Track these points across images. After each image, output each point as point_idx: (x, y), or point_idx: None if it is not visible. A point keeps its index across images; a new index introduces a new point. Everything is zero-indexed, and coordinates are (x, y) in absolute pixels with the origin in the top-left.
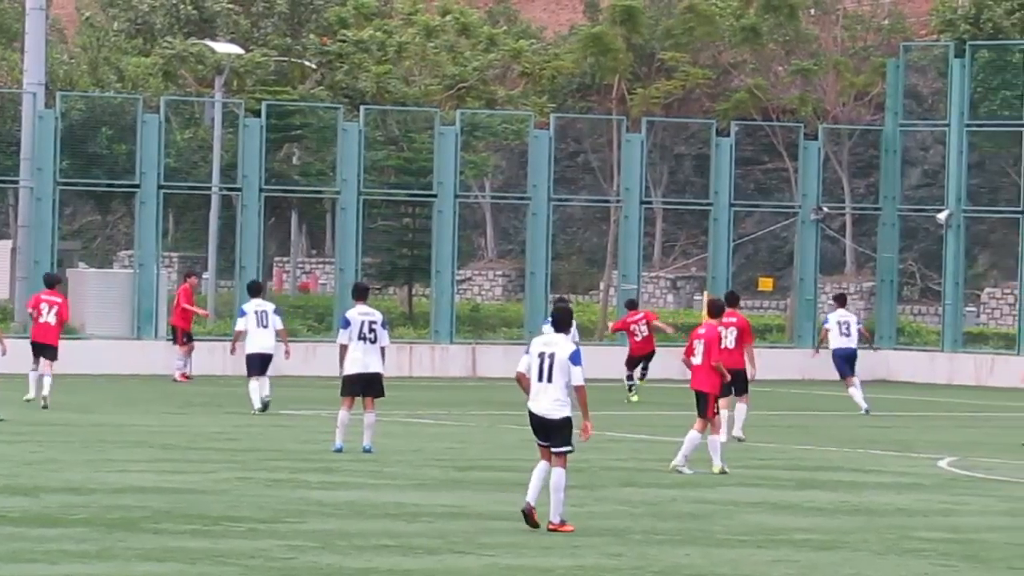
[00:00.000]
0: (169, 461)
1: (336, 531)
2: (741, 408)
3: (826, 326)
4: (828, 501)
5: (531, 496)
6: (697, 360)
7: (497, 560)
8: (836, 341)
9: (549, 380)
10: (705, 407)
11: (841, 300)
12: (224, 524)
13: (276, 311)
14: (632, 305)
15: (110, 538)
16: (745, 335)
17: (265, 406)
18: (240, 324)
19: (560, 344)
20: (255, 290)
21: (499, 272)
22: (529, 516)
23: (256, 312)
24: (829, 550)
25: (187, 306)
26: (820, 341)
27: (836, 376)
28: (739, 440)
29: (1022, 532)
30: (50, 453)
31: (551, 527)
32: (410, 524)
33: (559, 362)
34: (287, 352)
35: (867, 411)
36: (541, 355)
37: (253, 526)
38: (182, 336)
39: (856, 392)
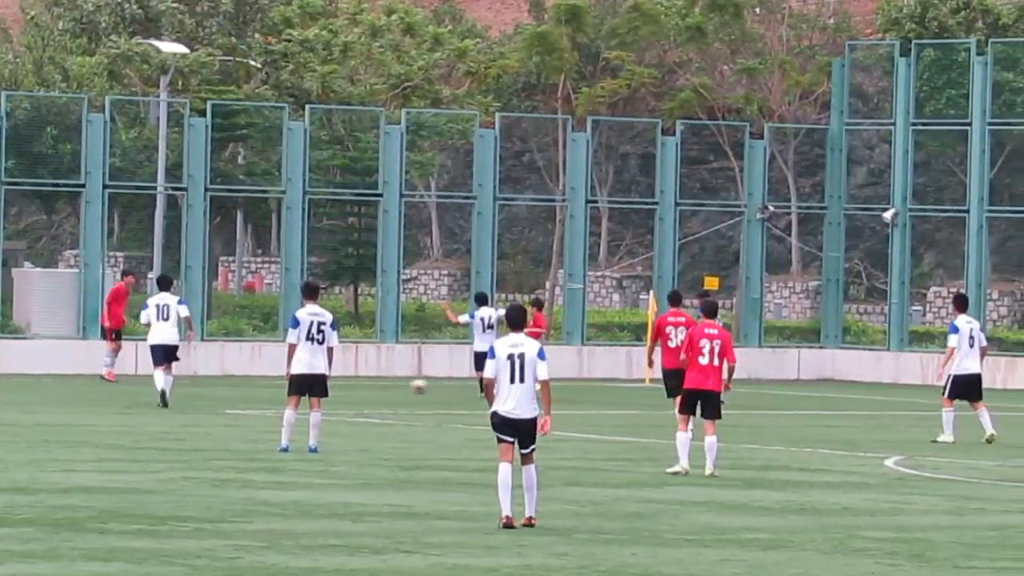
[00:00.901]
0: (115, 461)
1: (282, 531)
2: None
3: (954, 337)
4: (775, 500)
5: (509, 508)
6: (706, 360)
7: (443, 560)
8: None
9: (521, 380)
10: (717, 407)
11: (963, 303)
12: (170, 524)
13: (180, 302)
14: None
15: (56, 538)
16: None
17: (163, 399)
18: (143, 317)
19: (526, 343)
20: (163, 284)
21: (445, 271)
22: (510, 526)
23: (158, 305)
24: (776, 549)
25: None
26: (947, 359)
27: (781, 375)
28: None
29: (968, 531)
30: None
31: (527, 522)
32: (356, 524)
33: (529, 361)
34: (189, 336)
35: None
36: (511, 356)
37: (199, 526)
38: (111, 334)
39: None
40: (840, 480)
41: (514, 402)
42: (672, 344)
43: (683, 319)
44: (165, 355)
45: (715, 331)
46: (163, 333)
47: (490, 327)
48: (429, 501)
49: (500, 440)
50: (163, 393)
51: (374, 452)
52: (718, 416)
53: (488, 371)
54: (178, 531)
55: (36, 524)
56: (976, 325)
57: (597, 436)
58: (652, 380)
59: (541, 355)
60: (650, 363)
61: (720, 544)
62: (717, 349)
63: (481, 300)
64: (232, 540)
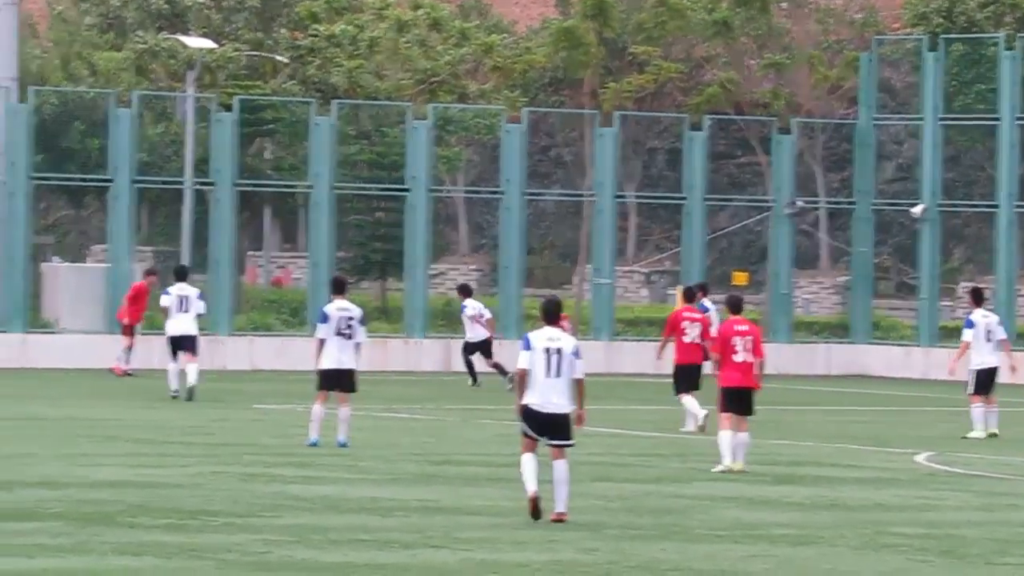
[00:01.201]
0: (143, 455)
1: (311, 526)
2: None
3: (969, 332)
4: (804, 496)
5: (534, 486)
6: (740, 357)
7: (472, 555)
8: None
9: (558, 375)
10: (751, 404)
11: (979, 297)
12: (199, 518)
13: (200, 296)
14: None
15: (85, 532)
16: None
17: (189, 394)
18: (163, 301)
19: (563, 338)
20: (180, 274)
21: (472, 267)
22: (535, 504)
23: (180, 297)
24: (805, 545)
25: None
26: (960, 354)
27: (810, 371)
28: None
29: (999, 527)
30: (24, 447)
31: (558, 518)
32: (385, 518)
33: (566, 356)
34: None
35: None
36: (548, 350)
37: (228, 520)
38: (128, 329)
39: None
40: (870, 476)
41: (550, 396)
42: (687, 340)
43: (699, 315)
44: (184, 346)
45: (745, 327)
46: (182, 325)
47: (473, 318)
48: (458, 496)
49: (525, 434)
50: (189, 389)
51: (402, 447)
52: (751, 412)
53: (522, 362)
54: (207, 526)
55: (65, 518)
56: (994, 319)
57: (625, 431)
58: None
59: (577, 353)
60: (660, 356)
61: (750, 540)
62: (749, 345)
63: (464, 292)
64: (261, 535)
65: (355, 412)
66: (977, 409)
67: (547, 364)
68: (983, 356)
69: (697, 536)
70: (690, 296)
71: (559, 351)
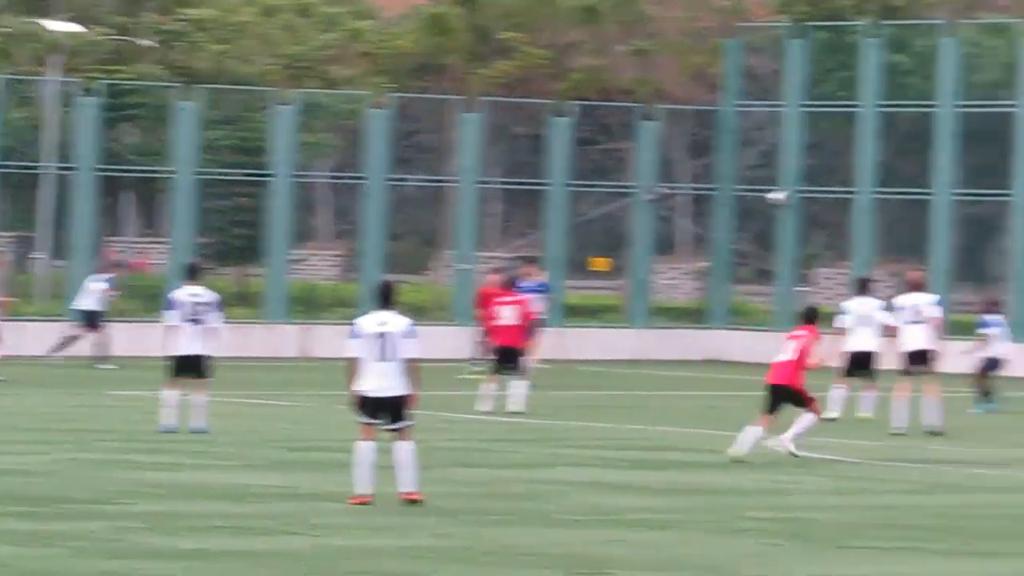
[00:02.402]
0: None
1: (166, 512)
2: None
3: (843, 318)
4: (661, 481)
5: (368, 487)
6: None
7: (329, 541)
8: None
9: (390, 358)
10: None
11: (863, 286)
12: (53, 506)
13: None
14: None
15: None
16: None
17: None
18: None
19: (395, 320)
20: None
21: (334, 252)
22: (363, 504)
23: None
24: (662, 529)
25: None
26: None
27: (669, 355)
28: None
29: (852, 511)
30: None
31: (405, 496)
32: (241, 505)
33: (396, 339)
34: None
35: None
36: (379, 335)
37: (83, 507)
38: None
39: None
40: (727, 461)
41: (383, 379)
42: (502, 322)
43: (513, 297)
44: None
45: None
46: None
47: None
48: (315, 482)
49: (361, 421)
50: None
51: (261, 433)
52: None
53: (352, 349)
54: (62, 513)
55: None
56: (876, 304)
57: (484, 417)
58: (542, 361)
59: (412, 333)
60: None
61: (606, 525)
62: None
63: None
64: (116, 522)
65: (213, 398)
66: (837, 391)
67: (377, 348)
68: (858, 340)
69: (554, 521)
70: (509, 281)
71: (390, 334)
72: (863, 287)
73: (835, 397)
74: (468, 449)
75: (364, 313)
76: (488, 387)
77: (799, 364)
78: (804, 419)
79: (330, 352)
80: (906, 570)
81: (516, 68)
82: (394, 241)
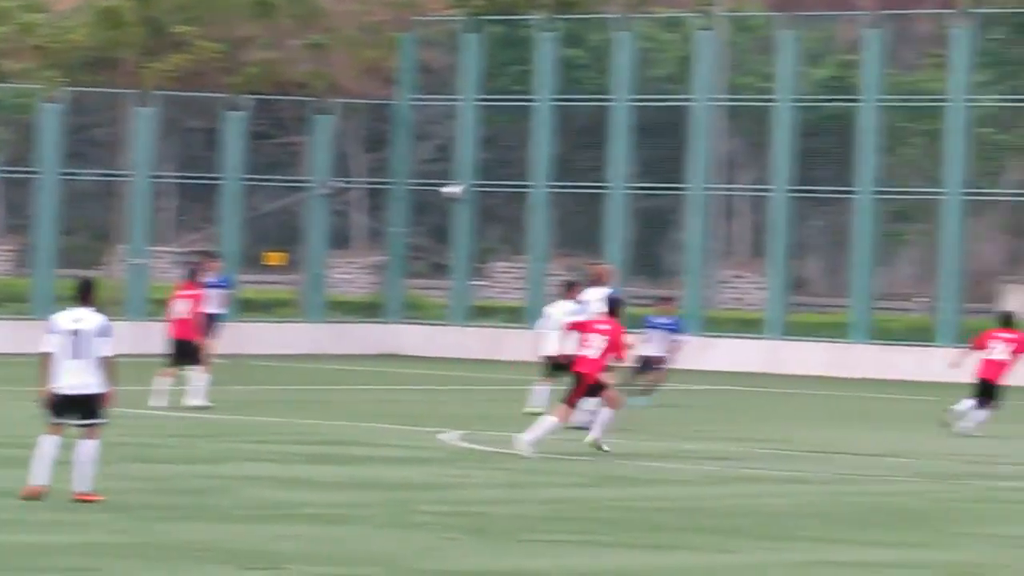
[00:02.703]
0: None
1: None
2: None
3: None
4: (336, 475)
5: (43, 479)
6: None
7: (4, 538)
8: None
9: (83, 355)
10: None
11: (570, 288)
12: None
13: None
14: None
15: None
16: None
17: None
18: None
19: (90, 318)
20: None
21: (6, 247)
22: (36, 497)
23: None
24: (337, 524)
25: None
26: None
27: (344, 350)
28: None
29: (525, 504)
30: None
31: (79, 497)
32: None
33: (90, 337)
34: None
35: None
36: (73, 332)
37: None
38: None
39: None
40: (400, 455)
41: (78, 376)
42: (176, 316)
43: (190, 291)
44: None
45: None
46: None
47: None
48: None
49: (50, 421)
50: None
51: None
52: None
53: (47, 345)
54: None
55: None
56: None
57: (166, 413)
58: (218, 356)
59: (107, 331)
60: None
61: (281, 519)
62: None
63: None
64: None
65: None
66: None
67: (70, 345)
68: (557, 343)
69: (229, 516)
70: (191, 275)
71: (84, 331)
72: (570, 289)
73: (539, 392)
74: (144, 444)
75: (59, 309)
76: (162, 381)
77: (605, 357)
78: (603, 414)
79: (5, 347)
80: (580, 562)
81: (189, 62)
82: (67, 236)
